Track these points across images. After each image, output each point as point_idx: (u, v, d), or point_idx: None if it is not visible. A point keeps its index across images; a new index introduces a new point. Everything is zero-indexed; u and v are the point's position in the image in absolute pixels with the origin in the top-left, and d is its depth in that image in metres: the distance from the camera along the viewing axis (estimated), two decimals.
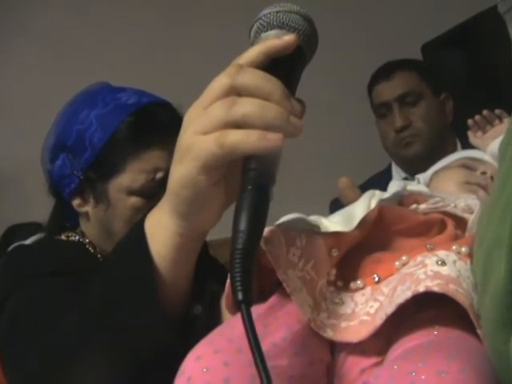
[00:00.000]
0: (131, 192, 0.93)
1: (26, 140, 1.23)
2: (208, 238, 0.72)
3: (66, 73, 1.93)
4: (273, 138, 0.51)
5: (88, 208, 0.98)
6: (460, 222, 0.74)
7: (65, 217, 1.03)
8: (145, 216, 0.66)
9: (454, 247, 0.62)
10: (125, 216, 0.94)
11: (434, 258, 0.59)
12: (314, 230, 0.65)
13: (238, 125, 0.52)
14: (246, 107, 0.52)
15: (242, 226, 0.49)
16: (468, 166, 0.96)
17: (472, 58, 2.15)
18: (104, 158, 0.93)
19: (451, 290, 0.54)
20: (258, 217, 0.50)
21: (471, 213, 0.76)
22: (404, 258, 0.62)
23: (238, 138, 0.51)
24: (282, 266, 0.58)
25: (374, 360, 0.58)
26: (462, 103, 2.14)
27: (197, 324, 0.69)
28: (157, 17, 2.27)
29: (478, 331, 0.54)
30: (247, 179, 0.51)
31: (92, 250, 0.98)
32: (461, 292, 0.54)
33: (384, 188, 0.90)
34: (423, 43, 2.30)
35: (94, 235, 1.00)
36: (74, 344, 0.66)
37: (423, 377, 0.47)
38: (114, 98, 0.95)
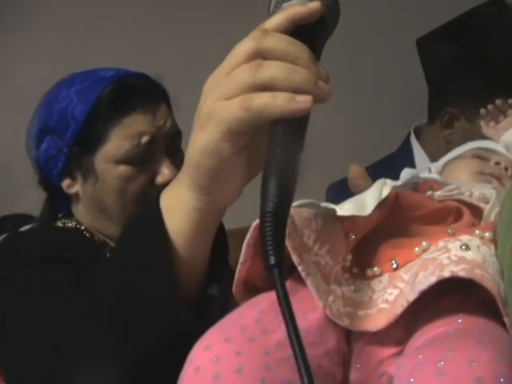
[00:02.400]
0: (118, 160, 0.91)
1: (12, 132, 1.20)
2: None
3: (54, 61, 1.90)
4: (302, 100, 0.48)
5: (78, 187, 0.95)
6: (475, 211, 0.72)
7: (57, 208, 1.01)
8: (159, 192, 0.62)
9: (476, 232, 0.58)
10: (115, 187, 0.92)
11: (458, 243, 0.55)
12: (330, 213, 0.62)
13: (264, 88, 0.49)
14: (273, 70, 0.49)
15: (272, 189, 0.46)
16: (481, 156, 0.94)
17: (467, 52, 2.13)
18: (87, 129, 0.92)
19: (478, 275, 0.51)
20: (289, 180, 0.47)
21: (486, 202, 0.74)
22: (424, 243, 0.59)
23: (266, 101, 0.49)
24: (296, 248, 0.54)
25: (393, 350, 0.55)
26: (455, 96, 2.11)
27: (213, 305, 0.66)
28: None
29: (505, 319, 0.51)
30: (275, 143, 0.49)
31: (89, 237, 0.95)
32: (487, 278, 0.51)
33: (392, 173, 0.88)
34: (418, 37, 2.27)
35: (87, 218, 0.97)
36: (83, 331, 0.62)
37: (453, 366, 0.44)
38: (92, 73, 0.95)
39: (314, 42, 0.53)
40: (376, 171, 0.93)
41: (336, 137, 2.16)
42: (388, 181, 0.86)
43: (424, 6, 2.37)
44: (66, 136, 0.93)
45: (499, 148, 0.98)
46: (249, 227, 0.59)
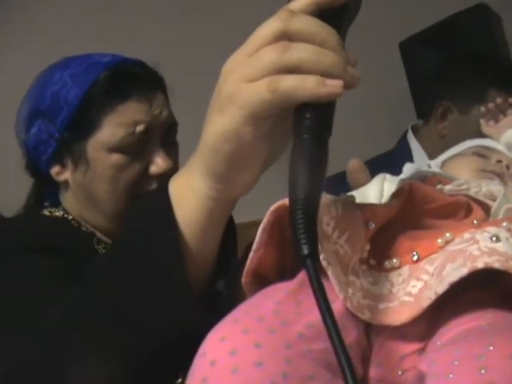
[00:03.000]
0: (111, 149, 0.87)
1: None
2: None
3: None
4: (333, 85, 0.46)
5: (67, 175, 0.91)
6: (482, 208, 0.69)
7: (44, 196, 0.97)
8: (168, 179, 0.59)
9: (504, 224, 0.56)
10: (106, 176, 0.88)
11: (486, 234, 0.53)
12: (349, 199, 0.59)
13: (290, 71, 0.47)
14: (302, 52, 0.47)
15: (302, 176, 0.44)
16: (482, 154, 0.92)
17: (449, 55, 2.14)
18: (80, 115, 0.88)
19: None
20: (318, 166, 0.45)
21: (492, 199, 0.72)
22: (448, 234, 0.56)
23: (294, 84, 0.46)
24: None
25: (415, 346, 0.52)
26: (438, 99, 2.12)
27: (220, 300, 0.62)
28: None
29: None
30: (303, 128, 0.46)
31: (77, 227, 0.91)
32: None
33: (390, 170, 0.85)
34: (401, 40, 2.28)
35: (76, 208, 0.92)
36: (85, 325, 0.57)
37: (495, 361, 0.41)
38: (89, 57, 0.92)
39: (339, 26, 0.51)
40: (372, 168, 0.90)
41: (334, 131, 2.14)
42: (388, 176, 0.84)
43: (404, 9, 2.37)
44: (58, 121, 0.89)
45: (499, 147, 0.97)
46: (247, 223, 0.55)
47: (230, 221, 0.62)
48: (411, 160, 1.56)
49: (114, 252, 0.62)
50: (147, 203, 0.62)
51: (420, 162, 1.49)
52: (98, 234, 0.92)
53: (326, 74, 0.46)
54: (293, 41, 0.47)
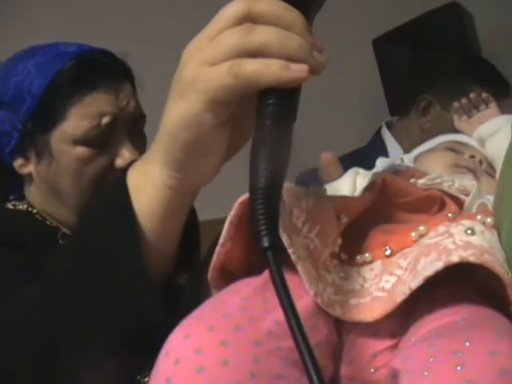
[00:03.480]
0: (76, 141, 0.84)
1: None
2: None
3: None
4: (298, 69, 0.43)
5: (31, 167, 0.88)
6: (455, 202, 0.68)
7: (8, 189, 0.93)
8: (127, 169, 0.56)
9: (478, 217, 0.54)
10: (71, 169, 0.85)
11: (461, 227, 0.51)
12: (321, 191, 0.56)
13: (253, 55, 0.44)
14: (266, 35, 0.44)
15: (263, 163, 0.41)
16: (454, 149, 0.91)
17: (421, 52, 2.15)
18: (44, 106, 0.84)
19: (488, 260, 0.46)
20: (281, 153, 0.42)
21: (465, 194, 0.70)
22: (421, 228, 0.54)
23: (257, 68, 0.44)
24: (286, 229, 0.48)
25: (387, 343, 0.50)
26: (411, 96, 2.12)
27: (182, 295, 0.59)
28: None
29: None
30: (266, 114, 0.44)
31: (41, 221, 0.87)
32: (497, 263, 0.47)
33: (363, 167, 0.84)
34: (374, 38, 2.28)
35: (40, 201, 0.89)
36: (42, 319, 0.55)
37: (473, 357, 0.39)
38: (54, 47, 0.89)
39: (307, 10, 0.48)
40: (346, 164, 0.89)
41: (307, 126, 2.12)
42: (361, 170, 0.82)
43: (377, 7, 2.37)
44: (21, 112, 0.85)
45: (472, 142, 0.96)
46: (218, 220, 0.53)
47: (192, 214, 0.59)
48: (385, 155, 1.55)
49: (71, 245, 0.59)
50: (105, 194, 0.59)
51: (396, 156, 1.48)
52: (63, 229, 0.89)
53: (291, 59, 0.44)
54: (257, 23, 0.45)
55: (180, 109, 0.48)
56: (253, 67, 0.44)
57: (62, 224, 0.89)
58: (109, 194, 0.58)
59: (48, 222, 0.89)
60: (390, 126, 1.69)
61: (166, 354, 0.43)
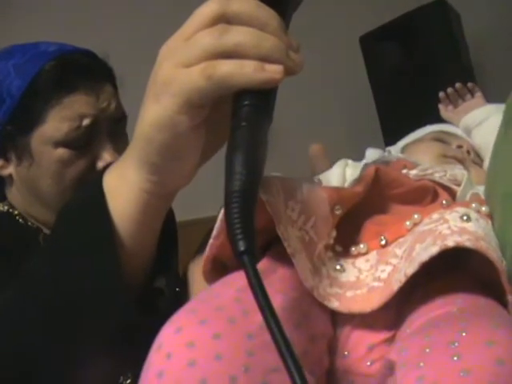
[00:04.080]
0: (56, 143, 0.82)
1: None
2: None
3: None
4: (272, 70, 0.43)
5: (11, 169, 0.86)
6: (447, 193, 0.68)
7: None
8: (103, 171, 0.55)
9: (473, 205, 0.54)
10: (51, 171, 0.83)
11: (456, 214, 0.51)
12: (314, 183, 0.56)
13: (228, 56, 0.44)
14: (240, 35, 0.44)
15: (238, 166, 0.40)
16: (442, 139, 0.91)
17: (409, 50, 2.16)
18: (24, 107, 0.82)
19: (484, 246, 0.46)
20: (257, 156, 0.42)
21: (457, 184, 0.70)
22: (416, 216, 0.54)
23: (231, 69, 0.43)
24: (282, 220, 0.48)
25: (383, 335, 0.50)
26: (398, 94, 2.13)
27: (161, 299, 0.58)
28: None
29: (509, 297, 0.47)
30: (241, 116, 0.43)
31: (23, 222, 0.86)
32: (492, 250, 0.47)
33: None
34: (361, 35, 2.28)
35: (21, 203, 0.88)
36: (15, 322, 0.54)
37: (469, 348, 0.39)
38: (34, 47, 0.86)
39: (283, 10, 0.47)
40: None
41: (294, 124, 2.11)
42: (350, 161, 0.82)
43: (365, 4, 2.37)
44: (0, 113, 0.83)
45: (459, 132, 0.96)
46: (203, 218, 0.52)
47: (170, 217, 0.59)
48: None
49: (46, 248, 0.58)
50: (81, 197, 0.58)
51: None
52: (45, 230, 0.87)
53: (266, 59, 0.43)
54: (231, 24, 0.44)
55: (154, 111, 0.47)
56: (226, 69, 0.43)
57: (43, 225, 0.87)
58: (85, 196, 0.57)
59: (30, 224, 0.87)
60: None
61: (157, 348, 0.43)
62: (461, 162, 0.86)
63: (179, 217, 0.86)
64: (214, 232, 0.51)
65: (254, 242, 0.39)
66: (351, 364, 0.50)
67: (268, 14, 0.45)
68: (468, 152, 0.89)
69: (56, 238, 0.59)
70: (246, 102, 0.43)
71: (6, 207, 0.88)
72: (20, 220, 0.87)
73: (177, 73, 0.45)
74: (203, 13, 0.45)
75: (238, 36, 0.44)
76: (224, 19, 0.44)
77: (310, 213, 0.51)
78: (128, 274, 0.54)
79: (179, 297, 0.63)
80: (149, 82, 0.48)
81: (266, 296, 0.37)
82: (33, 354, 0.54)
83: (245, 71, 0.43)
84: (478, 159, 0.89)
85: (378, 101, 2.18)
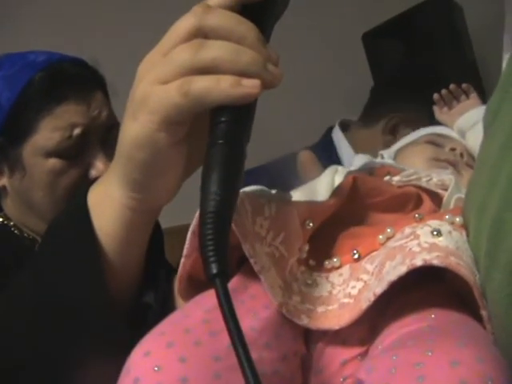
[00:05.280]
0: (48, 153, 0.83)
1: None
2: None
3: None
4: (249, 85, 0.42)
5: (4, 181, 0.87)
6: (434, 198, 0.67)
7: None
8: (87, 188, 0.55)
9: (446, 217, 0.53)
10: (44, 182, 0.84)
11: (427, 228, 0.50)
12: (284, 198, 0.55)
13: (205, 72, 0.43)
14: (217, 50, 0.43)
15: (214, 186, 0.40)
16: (435, 142, 0.90)
17: (412, 46, 2.13)
18: (14, 119, 0.83)
19: (453, 263, 0.45)
20: (233, 175, 0.41)
21: (444, 189, 0.69)
22: (389, 230, 0.53)
23: (207, 85, 0.42)
24: (248, 238, 0.47)
25: (356, 351, 0.49)
26: (401, 91, 2.11)
27: (149, 314, 0.58)
28: None
29: (482, 312, 0.46)
30: (217, 133, 0.42)
31: (18, 233, 0.86)
32: (463, 266, 0.46)
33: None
34: (364, 32, 2.26)
35: (16, 214, 0.88)
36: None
37: (434, 369, 0.38)
38: (22, 57, 0.87)
39: (263, 21, 0.47)
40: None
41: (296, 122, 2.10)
42: (339, 168, 0.81)
43: (367, 1, 2.34)
44: None
45: (453, 134, 0.95)
46: (189, 225, 0.52)
47: (157, 229, 0.58)
48: (334, 157, 1.46)
49: (32, 264, 0.58)
50: (66, 213, 0.58)
51: (348, 159, 1.39)
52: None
53: (243, 74, 0.42)
54: (209, 38, 0.44)
55: (133, 129, 0.46)
56: (202, 85, 0.42)
57: (39, 236, 0.88)
58: (69, 211, 0.57)
59: (25, 235, 0.88)
60: (344, 128, 1.59)
61: (127, 372, 0.42)
62: (453, 165, 0.84)
63: (166, 224, 0.86)
64: (185, 251, 0.51)
65: (226, 264, 0.38)
66: (325, 380, 0.49)
67: (246, 27, 0.44)
68: (461, 155, 0.87)
69: (41, 255, 0.59)
70: (223, 119, 0.43)
71: (1, 219, 0.89)
72: (15, 231, 0.88)
73: (154, 90, 0.44)
74: (180, 27, 0.45)
75: (214, 51, 0.43)
76: (201, 33, 0.44)
77: (280, 228, 0.51)
78: (115, 290, 0.53)
79: (167, 310, 0.63)
80: (128, 100, 0.48)
81: (237, 321, 0.37)
82: (19, 367, 0.54)
83: (221, 87, 0.42)
84: (472, 162, 0.87)
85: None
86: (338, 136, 1.55)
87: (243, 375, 0.35)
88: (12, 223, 0.89)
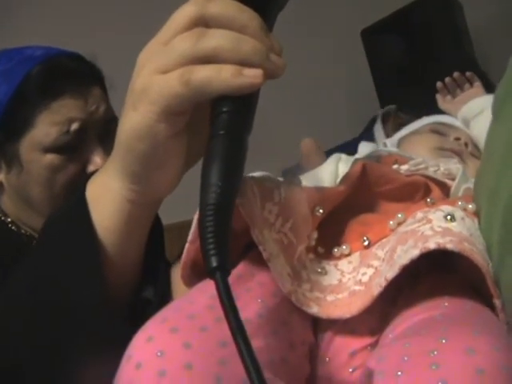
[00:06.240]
0: (45, 149, 0.81)
1: None
2: None
3: None
4: (250, 74, 0.41)
5: (1, 176, 0.86)
6: (441, 187, 0.66)
7: None
8: (86, 180, 0.53)
9: (459, 203, 0.52)
10: (41, 178, 0.82)
11: (440, 213, 0.49)
12: (294, 183, 0.54)
13: (207, 61, 0.42)
14: (218, 39, 0.42)
15: (214, 177, 0.39)
16: (439, 131, 0.89)
17: (411, 43, 2.13)
18: (12, 114, 0.81)
19: (467, 248, 0.44)
20: (234, 167, 0.40)
21: (451, 178, 0.68)
22: (399, 215, 0.52)
23: (208, 75, 0.41)
24: (257, 224, 0.46)
25: (366, 341, 0.48)
26: (400, 87, 2.10)
27: (149, 309, 0.57)
28: None
29: (496, 301, 0.45)
30: (219, 123, 0.41)
31: (15, 230, 0.85)
32: (476, 252, 0.45)
33: None
34: (363, 28, 2.25)
35: (13, 210, 0.87)
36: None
37: (449, 356, 0.37)
38: (19, 52, 0.85)
39: (266, 10, 0.45)
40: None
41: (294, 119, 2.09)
42: (343, 156, 0.80)
43: None
44: None
45: (457, 123, 0.94)
46: (189, 221, 0.51)
47: (157, 224, 0.57)
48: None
49: (30, 260, 0.57)
50: (64, 207, 0.57)
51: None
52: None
53: (245, 63, 0.41)
54: (210, 27, 0.43)
55: (133, 120, 0.45)
56: (203, 74, 0.41)
57: (36, 232, 0.86)
58: (68, 206, 0.56)
59: (23, 231, 0.87)
60: (385, 120, 1.59)
61: (128, 358, 0.41)
62: (458, 154, 0.83)
63: (167, 220, 0.85)
64: (190, 236, 0.50)
65: (227, 257, 0.37)
66: (333, 371, 0.48)
67: (248, 16, 0.43)
68: (466, 144, 0.86)
69: (39, 248, 0.58)
70: (225, 109, 0.42)
71: None
72: (13, 228, 0.87)
73: (154, 79, 0.43)
74: (180, 16, 0.44)
75: (215, 40, 0.42)
76: (202, 22, 0.43)
77: (289, 214, 0.50)
78: (114, 285, 0.52)
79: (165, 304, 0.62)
80: (128, 90, 0.47)
81: (238, 315, 0.36)
82: (16, 367, 0.53)
83: (222, 76, 0.41)
84: (477, 151, 0.87)
85: (381, 94, 2.15)
86: (378, 130, 1.54)
87: (245, 369, 0.34)
88: (9, 219, 0.87)
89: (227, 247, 0.38)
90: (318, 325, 0.49)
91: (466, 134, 0.90)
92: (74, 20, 1.96)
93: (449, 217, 0.48)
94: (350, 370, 0.47)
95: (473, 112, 0.93)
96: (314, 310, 0.47)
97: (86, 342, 0.52)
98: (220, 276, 0.37)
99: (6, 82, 0.81)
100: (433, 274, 0.50)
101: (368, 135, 1.56)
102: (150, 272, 0.58)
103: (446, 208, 0.50)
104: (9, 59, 0.84)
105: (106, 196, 0.51)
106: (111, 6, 2.06)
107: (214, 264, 0.37)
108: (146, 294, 0.59)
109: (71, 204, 0.55)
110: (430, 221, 0.48)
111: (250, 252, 0.52)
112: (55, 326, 0.52)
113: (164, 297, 0.61)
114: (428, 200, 0.53)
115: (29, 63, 0.82)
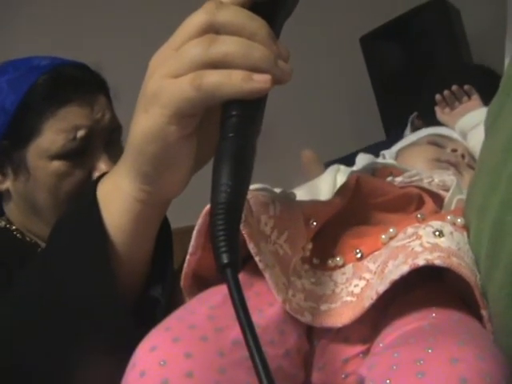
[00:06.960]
0: (52, 156, 0.83)
1: None
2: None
3: None
4: (261, 80, 0.43)
5: (8, 184, 0.87)
6: (435, 199, 0.67)
7: None
8: (97, 181, 0.55)
9: (448, 217, 0.54)
10: (48, 185, 0.84)
11: (429, 229, 0.51)
12: (288, 197, 0.56)
13: (217, 66, 0.44)
14: (229, 46, 0.44)
15: (224, 178, 0.41)
16: (437, 142, 0.91)
17: (410, 49, 2.14)
18: (19, 122, 0.83)
19: (454, 263, 0.46)
20: (243, 167, 0.42)
21: (445, 190, 0.70)
22: (391, 230, 0.54)
23: (219, 79, 0.43)
24: (253, 236, 0.48)
25: (358, 349, 0.50)
26: (400, 94, 2.12)
27: (157, 308, 0.59)
28: None
29: (483, 312, 0.47)
30: (228, 126, 0.43)
31: (20, 237, 0.87)
32: (464, 266, 0.47)
33: None
34: (362, 35, 2.27)
35: (19, 218, 0.89)
36: (8, 339, 0.54)
37: (434, 365, 0.39)
38: (26, 61, 0.87)
39: (273, 18, 0.48)
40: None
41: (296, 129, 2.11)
42: (342, 167, 0.82)
43: (365, 4, 2.34)
44: None
45: (455, 135, 0.96)
46: (191, 227, 0.52)
47: (165, 224, 0.59)
48: None
49: (40, 261, 0.58)
50: (75, 207, 0.59)
51: None
52: (43, 245, 0.88)
53: (254, 69, 0.43)
54: (220, 34, 0.45)
55: (145, 123, 0.47)
56: (214, 79, 0.43)
57: (41, 240, 0.88)
58: (78, 206, 0.57)
59: (28, 239, 0.88)
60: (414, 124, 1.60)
61: (132, 366, 0.43)
62: (454, 166, 0.85)
63: (175, 224, 0.87)
64: (190, 249, 0.52)
65: (237, 255, 0.39)
66: (327, 377, 0.50)
67: (257, 24, 0.45)
68: (463, 156, 0.88)
69: (50, 249, 0.59)
70: (234, 113, 0.44)
71: (3, 223, 0.89)
72: (18, 235, 0.88)
73: (166, 83, 0.45)
74: (192, 23, 0.46)
75: (226, 46, 0.44)
76: (213, 29, 0.45)
77: (284, 227, 0.52)
78: (123, 284, 0.54)
79: (175, 306, 0.63)
80: (139, 94, 0.49)
81: (247, 311, 0.37)
82: (26, 367, 0.55)
83: (233, 81, 0.43)
84: (473, 163, 0.88)
85: (380, 101, 2.17)
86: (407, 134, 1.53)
87: (253, 365, 0.35)
88: (14, 227, 0.89)
89: (238, 245, 0.39)
90: (313, 332, 0.51)
91: (463, 145, 0.91)
92: (78, 30, 1.98)
93: (437, 233, 0.50)
94: (343, 376, 0.49)
95: (470, 124, 0.95)
96: (308, 318, 0.49)
97: (96, 339, 0.53)
98: (230, 272, 0.38)
99: (13, 91, 0.84)
100: (423, 285, 0.51)
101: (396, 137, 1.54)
102: (158, 272, 0.60)
103: (436, 224, 0.52)
104: (16, 69, 0.86)
105: (117, 196, 0.53)
106: (115, 17, 2.08)
107: (225, 261, 0.38)
108: (154, 293, 0.60)
109: (82, 203, 0.57)
110: (419, 237, 0.50)
111: (248, 263, 0.54)
112: (64, 325, 0.53)
113: (172, 296, 0.62)
114: (418, 216, 0.55)
115: (35, 73, 0.84)
